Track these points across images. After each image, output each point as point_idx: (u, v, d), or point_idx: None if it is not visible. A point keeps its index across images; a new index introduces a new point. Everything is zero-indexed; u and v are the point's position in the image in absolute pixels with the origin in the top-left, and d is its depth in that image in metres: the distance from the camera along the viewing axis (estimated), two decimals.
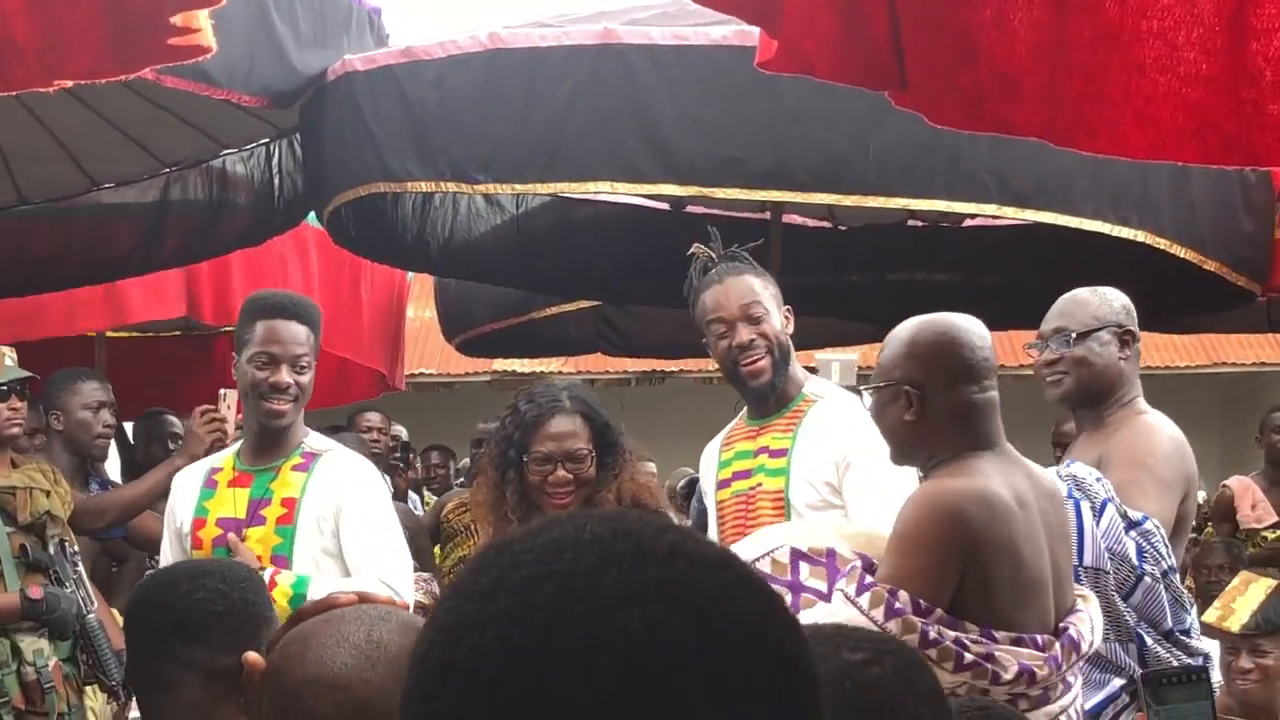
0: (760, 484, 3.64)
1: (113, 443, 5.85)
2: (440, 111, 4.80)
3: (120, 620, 4.19)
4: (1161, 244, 5.07)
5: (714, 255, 3.84)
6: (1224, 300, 5.92)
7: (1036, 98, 2.60)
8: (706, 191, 4.79)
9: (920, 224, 6.73)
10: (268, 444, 3.74)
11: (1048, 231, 6.25)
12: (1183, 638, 3.30)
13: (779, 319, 3.74)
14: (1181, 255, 5.15)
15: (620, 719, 0.78)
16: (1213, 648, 3.60)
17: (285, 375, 3.66)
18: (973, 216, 6.56)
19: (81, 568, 4.64)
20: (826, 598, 2.65)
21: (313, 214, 6.13)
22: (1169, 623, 3.25)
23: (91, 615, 4.52)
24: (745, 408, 3.89)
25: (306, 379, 3.71)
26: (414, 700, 0.84)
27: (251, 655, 1.51)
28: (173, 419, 6.19)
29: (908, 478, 3.31)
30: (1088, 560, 3.21)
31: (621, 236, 6.60)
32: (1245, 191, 5.43)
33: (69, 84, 3.33)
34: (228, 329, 7.25)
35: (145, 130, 5.92)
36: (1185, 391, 14.78)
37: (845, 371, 9.23)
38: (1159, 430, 3.53)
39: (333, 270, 7.21)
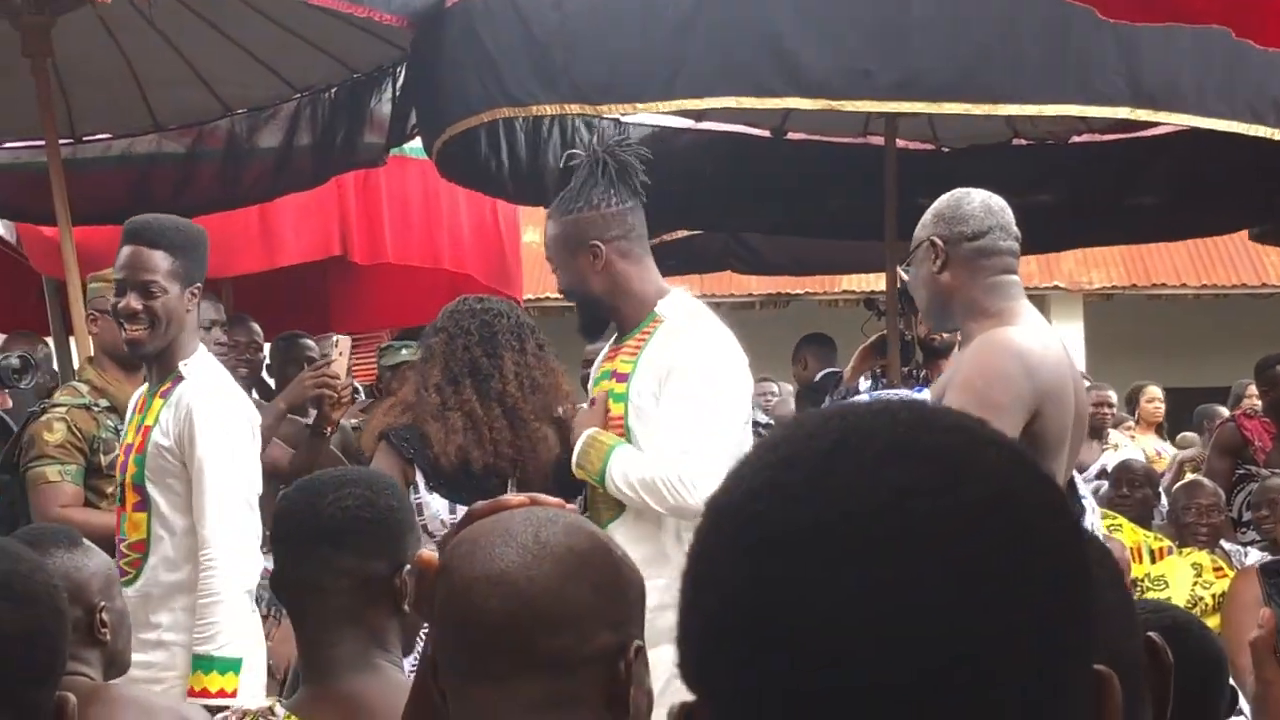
0: (609, 409, 3.57)
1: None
2: (560, 33, 4.76)
3: None
4: None
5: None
6: None
7: None
8: (834, 105, 4.71)
9: (1026, 142, 6.55)
10: (152, 369, 3.72)
11: (1159, 144, 6.09)
12: None
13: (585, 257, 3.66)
14: None
15: (866, 569, 0.77)
16: None
17: (133, 301, 3.60)
18: (1079, 133, 6.39)
19: None
20: None
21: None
22: None
23: None
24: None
25: (159, 304, 3.61)
26: (692, 543, 0.86)
27: (426, 554, 1.58)
28: (308, 342, 6.27)
29: (706, 403, 3.37)
30: None
31: (722, 164, 6.51)
32: None
33: None
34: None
35: (276, 55, 5.98)
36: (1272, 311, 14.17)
37: None
38: (1000, 347, 3.13)
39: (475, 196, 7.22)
